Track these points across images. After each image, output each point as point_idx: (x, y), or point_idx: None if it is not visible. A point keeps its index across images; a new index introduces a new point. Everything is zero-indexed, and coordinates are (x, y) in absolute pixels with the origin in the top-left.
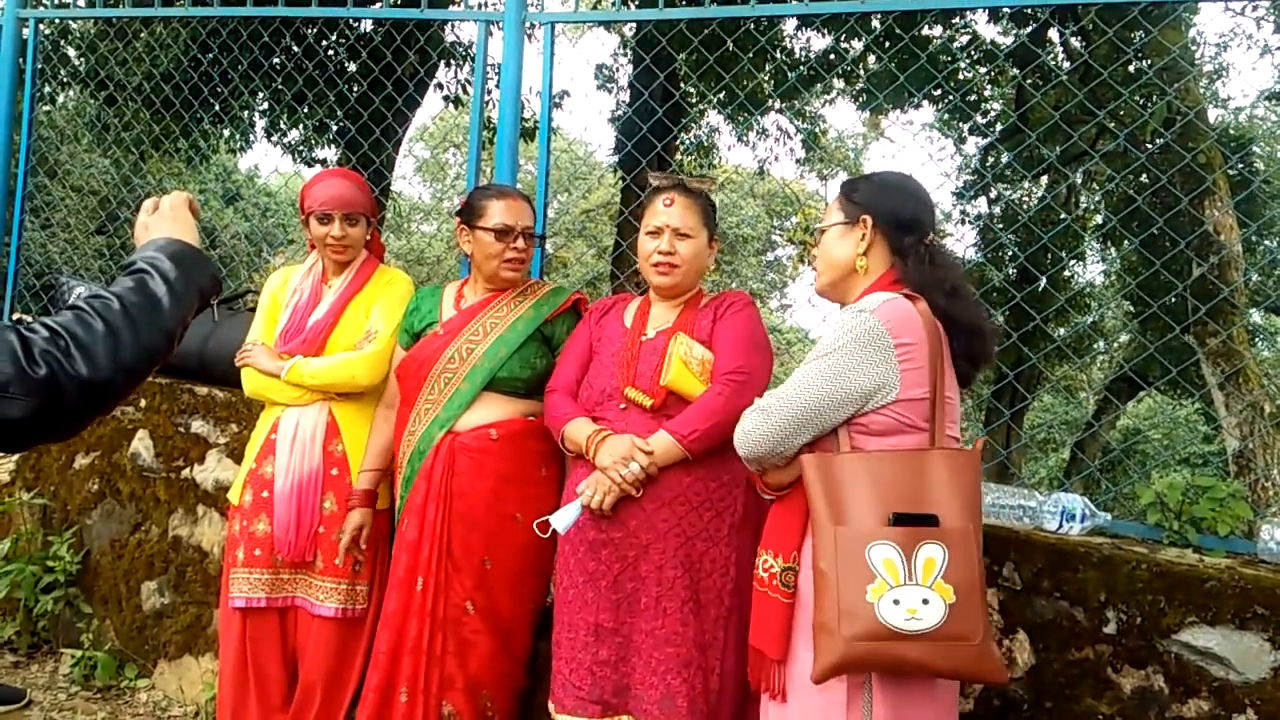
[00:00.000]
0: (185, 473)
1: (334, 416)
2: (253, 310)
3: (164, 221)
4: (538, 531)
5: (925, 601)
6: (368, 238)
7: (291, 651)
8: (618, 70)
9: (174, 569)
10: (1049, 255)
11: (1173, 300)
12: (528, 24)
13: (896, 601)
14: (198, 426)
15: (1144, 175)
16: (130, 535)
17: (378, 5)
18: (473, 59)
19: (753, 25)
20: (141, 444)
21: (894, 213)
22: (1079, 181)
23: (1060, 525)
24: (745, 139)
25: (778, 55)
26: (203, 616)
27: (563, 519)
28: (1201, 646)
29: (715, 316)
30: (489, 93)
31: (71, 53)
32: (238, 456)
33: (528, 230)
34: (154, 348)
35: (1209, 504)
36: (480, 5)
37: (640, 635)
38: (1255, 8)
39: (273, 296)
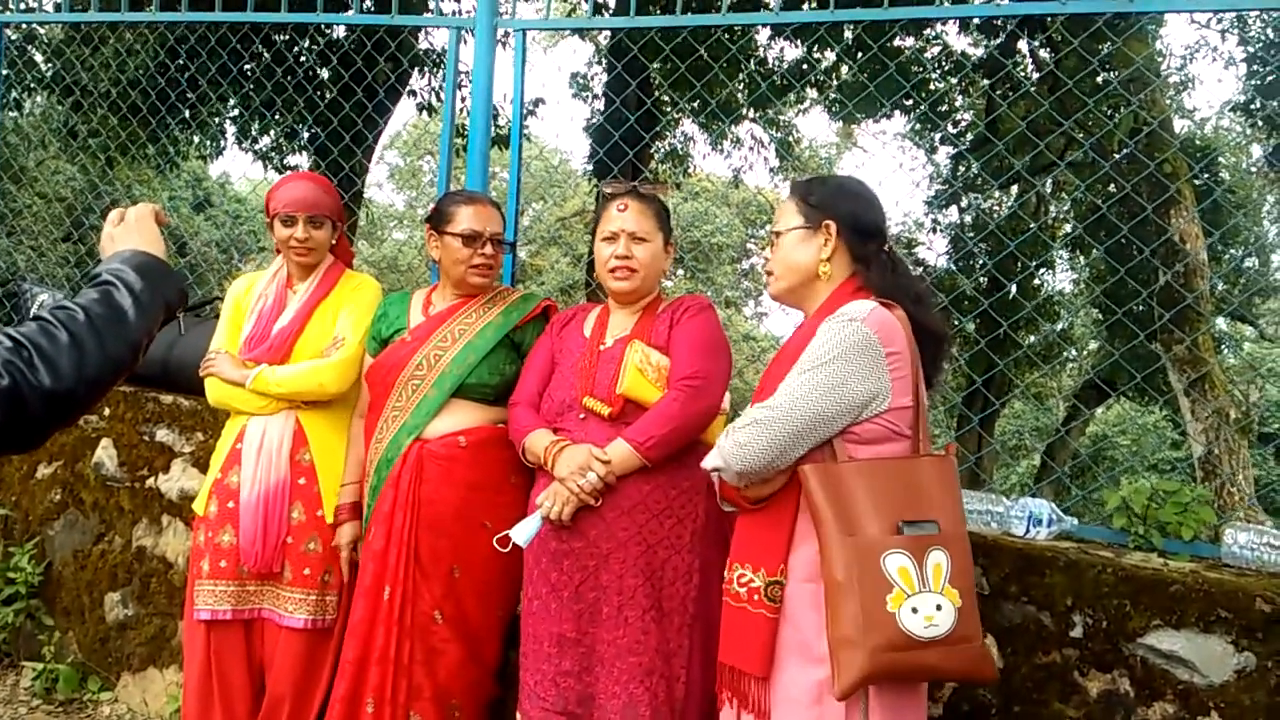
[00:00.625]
0: (150, 482)
1: (301, 425)
2: (218, 318)
3: (130, 233)
4: (498, 547)
5: (939, 607)
6: (333, 242)
7: (258, 663)
8: (592, 79)
9: (138, 580)
10: (1019, 264)
11: (1140, 308)
12: (500, 30)
13: (915, 609)
14: (162, 435)
15: (1112, 184)
16: (93, 546)
17: (349, 11)
18: (445, 65)
19: (726, 34)
20: (105, 453)
21: (855, 218)
22: (1048, 191)
23: (1027, 530)
24: (720, 147)
25: (751, 64)
26: (167, 628)
27: (523, 531)
28: (1166, 650)
29: (672, 321)
30: (462, 100)
31: (39, 58)
32: (203, 466)
33: (496, 236)
34: (118, 359)
35: (1174, 508)
36: (455, 13)
37: (603, 645)
38: (1219, 20)
39: (236, 303)
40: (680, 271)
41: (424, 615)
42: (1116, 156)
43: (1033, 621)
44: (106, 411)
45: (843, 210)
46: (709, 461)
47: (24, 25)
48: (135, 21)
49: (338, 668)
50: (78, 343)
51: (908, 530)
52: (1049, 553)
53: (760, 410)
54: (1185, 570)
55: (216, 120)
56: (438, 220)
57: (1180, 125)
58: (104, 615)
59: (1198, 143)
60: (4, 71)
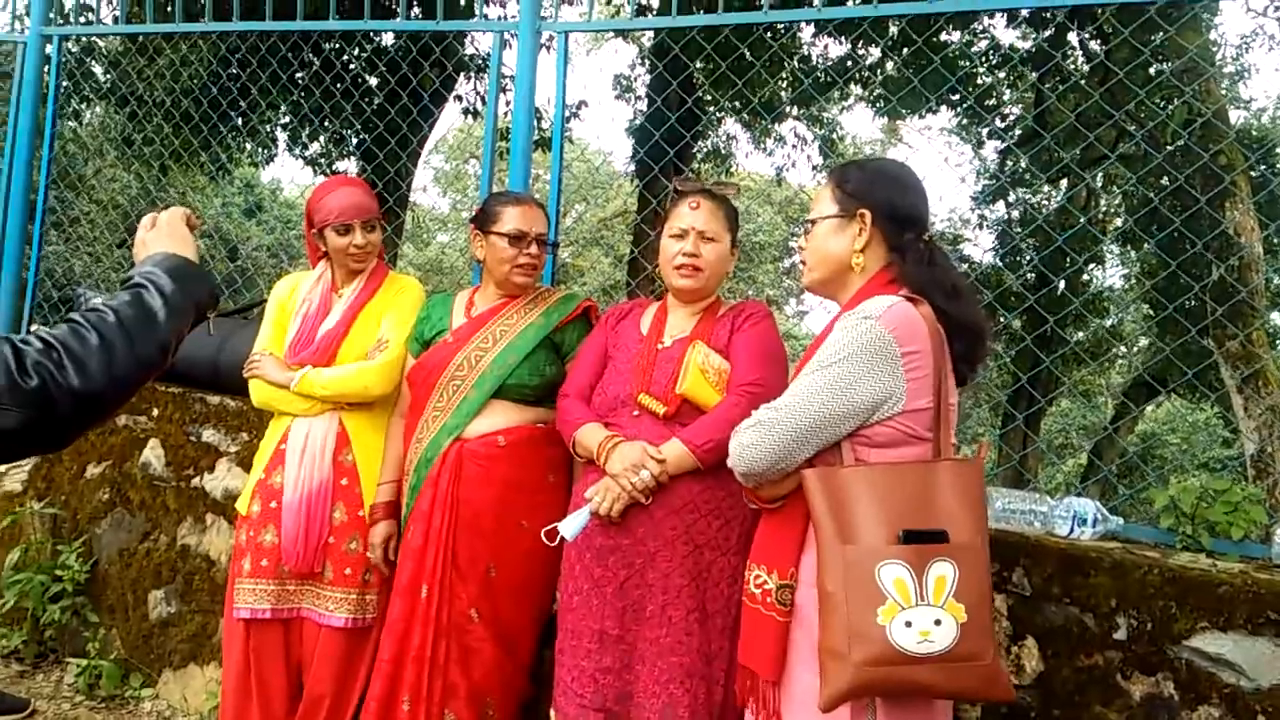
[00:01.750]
0: (195, 482)
1: (344, 426)
2: None
3: (162, 237)
4: (545, 540)
5: (938, 622)
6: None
7: (295, 663)
8: (635, 80)
9: (181, 578)
10: (1067, 259)
11: (1192, 303)
12: (543, 34)
13: (909, 624)
14: (209, 435)
15: (1165, 177)
16: (139, 544)
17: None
18: (489, 69)
19: (768, 32)
20: (153, 453)
21: (892, 205)
22: (1098, 185)
23: (1071, 530)
24: (762, 145)
25: (794, 62)
26: (208, 625)
27: (571, 525)
28: (1213, 653)
29: (733, 327)
30: (506, 103)
31: (98, 69)
32: (247, 465)
33: (541, 237)
34: (148, 360)
35: (1223, 507)
36: (500, 17)
37: (644, 643)
38: (1277, 8)
39: (280, 305)
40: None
41: (460, 614)
42: (1170, 148)
43: (1075, 623)
44: (155, 412)
45: (879, 198)
46: (730, 460)
47: (82, 38)
48: (188, 32)
49: (374, 666)
50: (107, 344)
51: (910, 540)
52: (1093, 553)
53: (766, 411)
54: (1234, 571)
55: (267, 127)
56: (484, 220)
57: (1235, 116)
58: (147, 612)
59: (1254, 133)
60: (63, 83)
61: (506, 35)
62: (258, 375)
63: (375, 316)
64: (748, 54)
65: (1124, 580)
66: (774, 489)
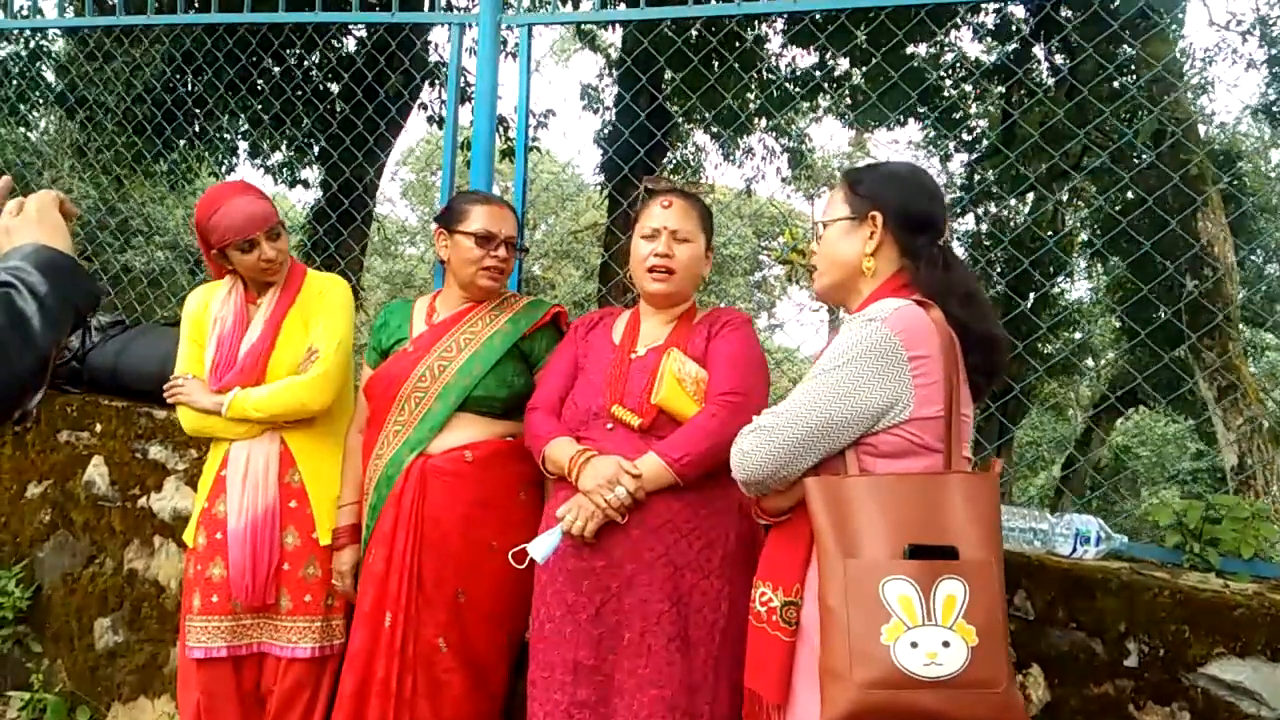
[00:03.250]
0: (142, 501)
1: (287, 446)
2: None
3: (30, 225)
4: (513, 563)
5: (946, 644)
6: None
7: (255, 699)
8: (603, 90)
9: (129, 604)
10: (1037, 272)
11: (1161, 316)
12: (504, 27)
13: (914, 644)
14: (156, 452)
15: (1134, 190)
16: (84, 569)
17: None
18: (448, 62)
19: (737, 41)
20: (97, 471)
21: (905, 208)
22: (1064, 199)
23: (1074, 549)
24: (731, 157)
25: (763, 71)
26: (159, 655)
27: (541, 547)
28: (1231, 680)
29: (710, 334)
30: (464, 100)
31: (50, 75)
32: (196, 483)
33: (510, 239)
34: (24, 375)
35: (1231, 524)
36: (463, 9)
37: (622, 674)
38: (1239, 21)
39: (195, 322)
40: None
41: (427, 644)
42: (1138, 162)
43: (1082, 649)
44: (99, 428)
45: (891, 200)
46: (732, 468)
47: (31, 43)
48: (130, 25)
49: (335, 701)
50: None
51: (917, 555)
52: (1099, 574)
53: (767, 416)
54: (1249, 592)
55: (227, 137)
56: (450, 219)
57: (1201, 130)
58: (94, 642)
59: (1217, 147)
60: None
61: (467, 31)
62: (183, 402)
63: (301, 324)
64: (717, 66)
65: (1133, 603)
66: (778, 500)
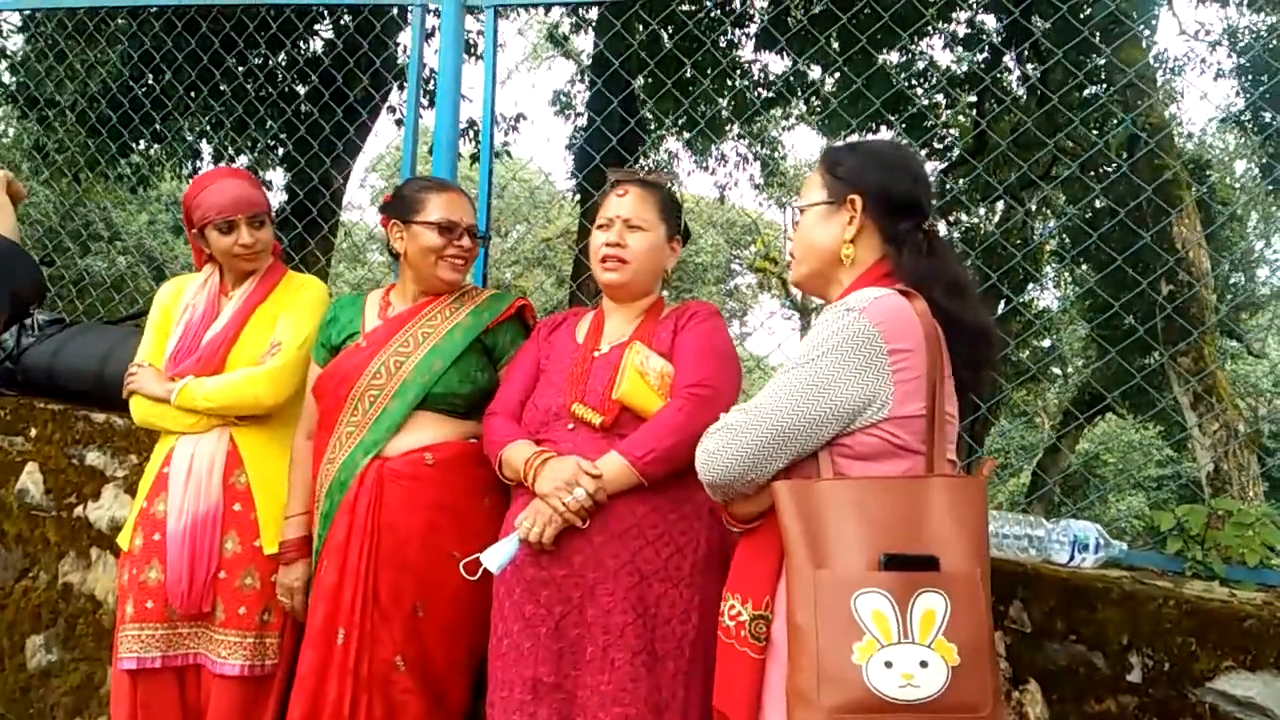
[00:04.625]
0: (78, 511)
1: (235, 444)
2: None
3: None
4: (465, 574)
5: (924, 664)
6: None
7: (194, 716)
8: (575, 97)
9: (63, 621)
10: (1007, 280)
11: (1131, 322)
12: (469, 9)
13: (889, 664)
14: (93, 458)
15: (1109, 195)
16: (15, 582)
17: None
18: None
19: (711, 45)
20: (30, 478)
21: (886, 191)
22: (1033, 207)
23: (1071, 557)
24: (704, 164)
25: (737, 77)
26: (95, 675)
27: (495, 556)
28: (1241, 696)
29: (676, 328)
30: (427, 94)
31: (6, 76)
32: (136, 492)
33: (472, 228)
34: None
35: (1234, 530)
36: None
37: (585, 692)
38: (1208, 31)
39: (164, 311)
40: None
41: (383, 663)
42: (1109, 170)
43: (1082, 663)
44: (33, 432)
45: (871, 182)
46: (697, 470)
47: None
48: (85, 23)
49: None
50: None
51: (893, 565)
52: (1099, 583)
53: (734, 414)
54: (1257, 602)
55: (189, 138)
56: (403, 209)
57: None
58: (25, 661)
59: (1185, 158)
60: None
61: (430, 10)
62: (134, 389)
63: (270, 318)
64: (690, 70)
65: (1136, 614)
66: (747, 505)
